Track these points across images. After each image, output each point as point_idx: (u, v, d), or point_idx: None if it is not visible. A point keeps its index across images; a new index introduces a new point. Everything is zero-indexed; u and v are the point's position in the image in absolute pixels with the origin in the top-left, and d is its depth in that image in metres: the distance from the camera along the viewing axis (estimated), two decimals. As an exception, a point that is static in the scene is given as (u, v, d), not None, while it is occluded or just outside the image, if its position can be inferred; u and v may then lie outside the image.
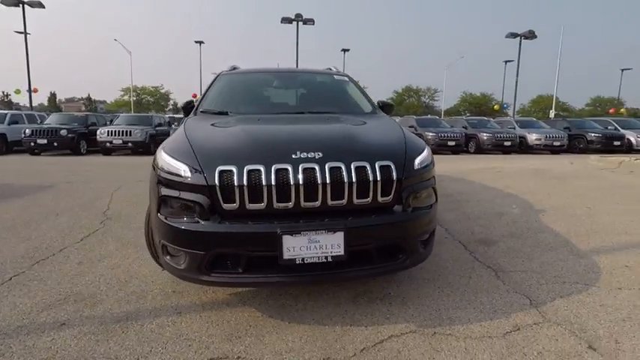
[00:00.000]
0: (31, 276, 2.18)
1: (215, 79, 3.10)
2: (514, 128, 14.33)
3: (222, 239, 1.68)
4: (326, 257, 1.65)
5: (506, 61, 32.05)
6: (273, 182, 1.64)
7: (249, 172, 1.65)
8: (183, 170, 1.72)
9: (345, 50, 31.50)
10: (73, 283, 2.10)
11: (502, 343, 1.63)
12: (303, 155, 1.73)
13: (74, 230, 2.96)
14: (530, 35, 23.38)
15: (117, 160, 9.59)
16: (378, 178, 1.74)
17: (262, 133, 2.13)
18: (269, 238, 1.63)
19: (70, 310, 1.83)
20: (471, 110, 44.30)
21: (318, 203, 1.69)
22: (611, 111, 33.77)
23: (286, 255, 1.62)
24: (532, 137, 13.61)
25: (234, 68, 3.42)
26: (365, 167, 1.74)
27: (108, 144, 11.42)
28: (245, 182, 1.64)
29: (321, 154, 1.74)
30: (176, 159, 1.79)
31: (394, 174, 1.77)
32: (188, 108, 2.81)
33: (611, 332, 1.70)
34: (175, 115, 21.06)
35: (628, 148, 13.43)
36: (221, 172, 1.66)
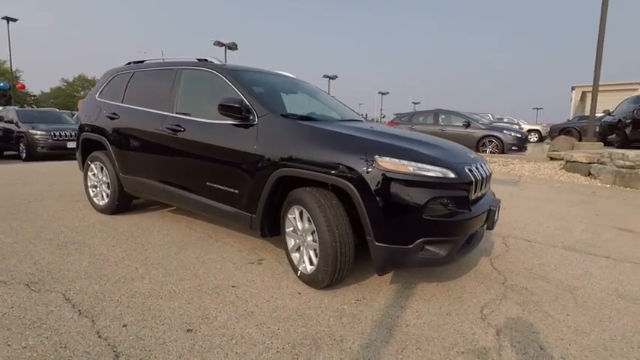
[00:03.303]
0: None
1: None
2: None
3: (475, 223, 2.19)
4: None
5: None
6: (480, 177, 2.29)
7: (470, 170, 2.21)
8: (446, 172, 2.08)
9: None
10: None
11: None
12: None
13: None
14: (234, 46, 25.74)
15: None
16: None
17: (425, 138, 2.60)
18: (487, 215, 2.29)
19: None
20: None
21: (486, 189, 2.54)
22: None
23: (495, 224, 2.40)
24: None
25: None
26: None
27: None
28: (477, 178, 2.24)
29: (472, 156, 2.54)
30: (435, 165, 2.08)
31: None
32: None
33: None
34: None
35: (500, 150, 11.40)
36: (470, 171, 2.20)
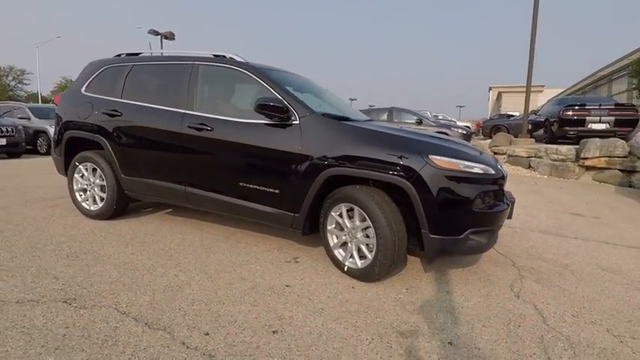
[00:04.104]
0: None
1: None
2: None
3: (507, 213, 2.53)
4: None
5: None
6: (505, 172, 2.65)
7: (500, 166, 2.63)
8: (487, 169, 2.34)
9: None
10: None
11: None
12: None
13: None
14: (170, 36, 23.43)
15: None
16: None
17: (452, 139, 2.95)
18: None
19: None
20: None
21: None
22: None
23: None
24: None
25: None
26: None
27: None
28: (505, 173, 2.61)
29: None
30: (474, 162, 2.34)
31: None
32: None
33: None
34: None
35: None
36: (500, 167, 2.57)
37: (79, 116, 3.39)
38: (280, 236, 3.29)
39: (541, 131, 10.92)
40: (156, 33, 24.33)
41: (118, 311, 1.97)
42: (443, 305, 2.22)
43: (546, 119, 10.34)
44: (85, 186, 3.49)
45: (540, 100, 29.40)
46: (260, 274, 2.51)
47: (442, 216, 2.23)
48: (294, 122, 2.58)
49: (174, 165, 2.99)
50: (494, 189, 2.36)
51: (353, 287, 2.39)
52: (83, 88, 3.50)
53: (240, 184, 2.74)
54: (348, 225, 2.48)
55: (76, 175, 3.50)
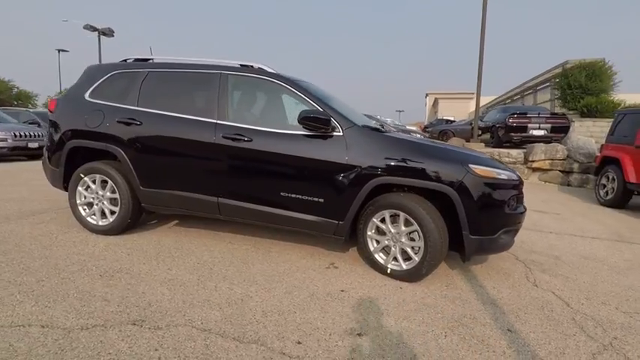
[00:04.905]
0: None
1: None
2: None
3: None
4: None
5: (59, 50, 29.23)
6: None
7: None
8: (511, 175, 2.69)
9: None
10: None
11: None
12: None
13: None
14: (109, 32, 21.90)
15: None
16: None
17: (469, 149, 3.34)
18: None
19: None
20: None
21: None
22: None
23: None
24: None
25: None
26: None
27: None
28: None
29: None
30: (501, 169, 2.70)
31: None
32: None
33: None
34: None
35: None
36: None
37: (86, 124, 3.14)
38: (305, 243, 3.37)
39: (486, 135, 12.12)
40: (92, 29, 22.38)
41: (197, 329, 1.93)
42: (484, 298, 2.49)
43: (493, 125, 11.50)
44: (92, 199, 3.24)
45: (472, 107, 32.27)
46: (310, 282, 2.59)
47: (481, 219, 2.51)
48: (336, 134, 2.70)
49: (207, 176, 2.93)
50: (517, 193, 2.70)
51: (401, 288, 2.58)
52: (87, 94, 3.25)
53: (282, 193, 2.79)
54: (392, 230, 2.66)
55: (79, 188, 3.23)
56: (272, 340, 1.88)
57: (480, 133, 12.09)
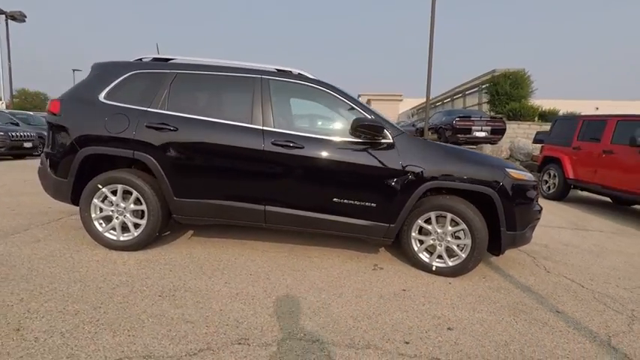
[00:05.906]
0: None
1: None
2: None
3: None
4: None
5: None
6: None
7: None
8: (531, 177, 3.02)
9: None
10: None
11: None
12: None
13: None
14: (20, 17, 19.17)
15: None
16: None
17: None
18: None
19: None
20: None
21: None
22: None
23: None
24: None
25: None
26: None
27: None
28: None
29: None
30: (527, 172, 3.00)
31: None
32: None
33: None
34: None
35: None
36: None
37: (107, 130, 2.80)
38: (338, 247, 3.44)
39: (434, 136, 13.23)
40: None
41: (306, 341, 1.92)
42: (520, 286, 2.84)
43: (440, 127, 12.58)
44: (110, 212, 2.90)
45: (401, 108, 34.47)
46: (369, 284, 2.69)
47: (515, 216, 2.85)
48: (386, 141, 2.83)
49: (254, 184, 2.83)
50: (537, 192, 3.11)
51: (450, 283, 2.81)
52: (102, 96, 2.90)
53: (335, 199, 2.83)
54: (438, 230, 2.88)
55: (95, 201, 2.88)
56: (382, 343, 1.95)
57: (430, 133, 13.14)
